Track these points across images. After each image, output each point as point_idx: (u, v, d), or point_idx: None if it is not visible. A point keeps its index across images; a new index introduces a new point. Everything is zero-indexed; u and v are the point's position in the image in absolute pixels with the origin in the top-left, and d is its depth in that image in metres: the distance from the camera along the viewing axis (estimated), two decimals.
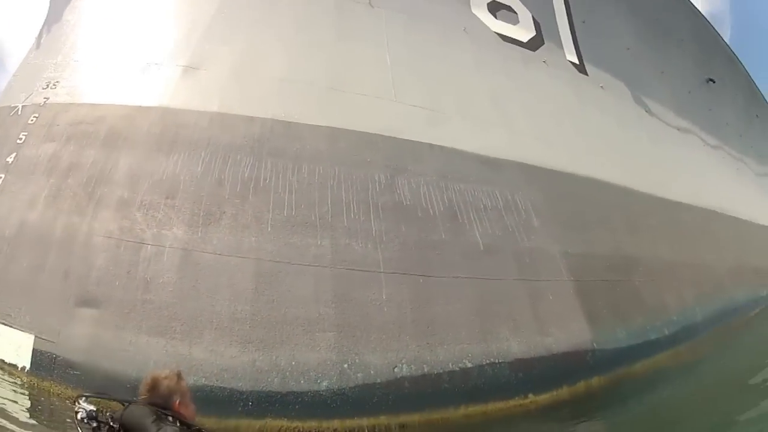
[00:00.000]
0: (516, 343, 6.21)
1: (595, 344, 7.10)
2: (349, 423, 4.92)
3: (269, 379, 4.90)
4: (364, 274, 5.75)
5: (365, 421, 4.97)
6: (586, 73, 11.51)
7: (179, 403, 2.54)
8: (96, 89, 6.61)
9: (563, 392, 6.27)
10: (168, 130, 6.17)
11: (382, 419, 5.05)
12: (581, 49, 11.43)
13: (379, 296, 5.69)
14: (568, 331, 6.91)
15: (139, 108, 6.36)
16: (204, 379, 4.75)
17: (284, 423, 4.71)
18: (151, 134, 6.13)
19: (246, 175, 5.94)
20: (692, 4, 16.79)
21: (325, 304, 5.43)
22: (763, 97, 25.59)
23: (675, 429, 4.32)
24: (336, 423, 4.87)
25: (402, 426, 5.10)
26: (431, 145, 7.36)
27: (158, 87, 6.61)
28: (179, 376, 2.66)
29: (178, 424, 2.41)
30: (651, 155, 13.10)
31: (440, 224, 6.65)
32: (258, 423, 4.68)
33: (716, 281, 12.71)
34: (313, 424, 4.80)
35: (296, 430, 4.72)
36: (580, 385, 6.51)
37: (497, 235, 7.07)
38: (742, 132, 22.27)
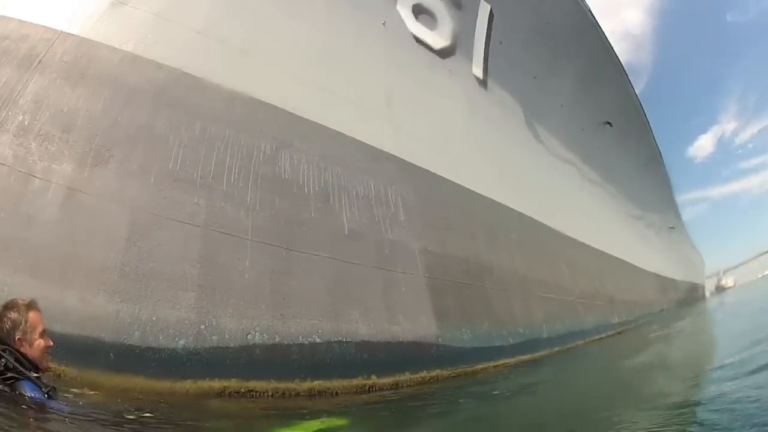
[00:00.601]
0: (365, 326, 7.09)
1: (440, 339, 8.22)
2: (202, 384, 5.33)
3: (130, 333, 5.19)
4: (232, 238, 6.27)
5: (216, 383, 5.42)
6: (486, 89, 13.00)
7: (20, 339, 2.47)
8: (27, 6, 6.57)
9: (405, 378, 7.16)
10: (80, 62, 6.31)
11: (233, 382, 5.52)
12: (489, 66, 12.88)
13: (242, 263, 6.23)
14: (415, 323, 7.95)
15: (61, 33, 6.39)
16: (70, 327, 4.90)
17: (141, 381, 4.99)
18: (63, 62, 6.23)
19: (142, 121, 6.27)
20: (613, 51, 19.67)
21: (191, 264, 5.84)
22: (658, 149, 30.18)
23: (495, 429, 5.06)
24: (189, 383, 5.26)
25: (251, 391, 5.60)
26: (320, 126, 8.09)
27: (84, 15, 6.66)
28: (30, 306, 2.59)
29: (13, 363, 2.36)
30: (528, 177, 15.02)
31: (312, 203, 7.38)
32: (117, 378, 4.91)
33: (567, 303, 14.78)
34: (167, 384, 5.14)
35: (151, 388, 5.01)
36: (423, 375, 7.47)
37: (363, 222, 7.97)
38: (626, 176, 26.04)
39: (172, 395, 5.01)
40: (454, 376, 7.98)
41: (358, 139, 8.64)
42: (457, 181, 10.81)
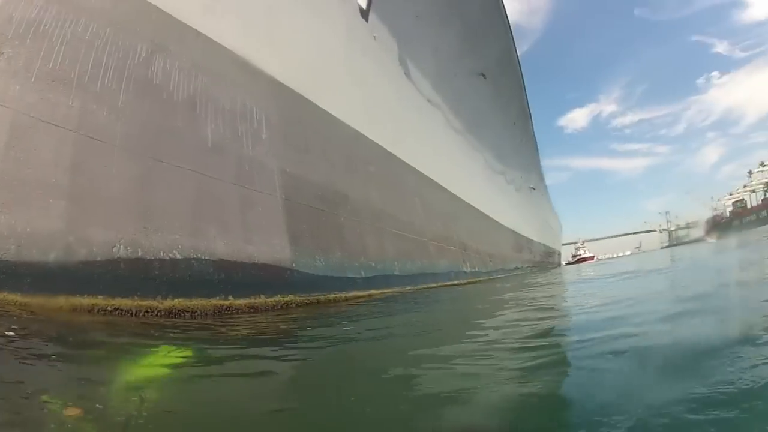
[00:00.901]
0: (222, 245, 7.44)
1: (294, 264, 8.83)
2: (73, 301, 5.39)
3: (8, 247, 5.10)
4: (102, 145, 6.22)
5: (86, 300, 5.50)
6: (367, 20, 13.47)
7: None
8: None
9: (260, 301, 7.63)
10: None
11: (100, 300, 5.64)
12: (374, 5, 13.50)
13: (110, 170, 6.24)
14: (271, 246, 8.46)
15: None
16: None
17: (17, 298, 4.96)
18: None
19: (33, 15, 5.95)
20: (503, 7, 21.48)
21: (63, 171, 5.76)
22: (529, 110, 34.12)
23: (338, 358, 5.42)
24: (61, 300, 5.30)
25: (116, 309, 5.73)
26: (196, 31, 8.07)
27: None
28: None
29: None
30: (394, 114, 15.94)
31: (179, 112, 7.46)
32: None
33: (420, 243, 16.17)
34: (41, 300, 5.13)
35: (26, 305, 4.98)
36: (277, 299, 8.00)
37: (227, 136, 8.20)
38: (493, 130, 28.27)
39: (47, 311, 5.06)
40: (307, 303, 8.61)
41: (231, 49, 8.72)
42: (321, 106, 11.29)
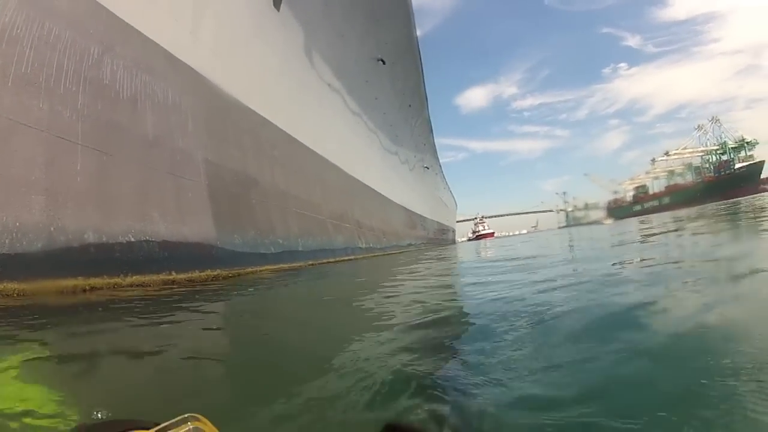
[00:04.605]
0: (164, 227, 8.75)
1: (218, 242, 10.34)
2: (59, 284, 6.36)
3: (2, 241, 5.92)
4: (67, 143, 7.17)
5: (69, 282, 6.49)
6: (278, 10, 14.85)
7: None
8: None
9: (196, 275, 8.99)
10: None
11: (80, 280, 6.66)
12: None
13: (75, 166, 7.23)
14: (199, 226, 9.90)
15: None
16: None
17: (15, 285, 5.80)
18: None
19: (7, 19, 6.62)
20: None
21: (39, 168, 6.64)
22: (425, 94, 37.04)
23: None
24: (49, 284, 6.23)
25: (92, 287, 6.74)
26: (136, 31, 9.07)
27: None
28: None
29: None
30: (296, 99, 17.46)
31: (125, 108, 8.54)
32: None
33: (319, 221, 18.05)
34: (34, 285, 6.02)
35: (24, 291, 5.84)
36: (208, 273, 9.37)
37: (163, 130, 9.43)
38: (388, 112, 30.38)
39: (39, 295, 5.97)
40: (231, 276, 10.04)
41: (163, 47, 9.81)
42: (235, 95, 12.70)
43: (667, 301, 3.67)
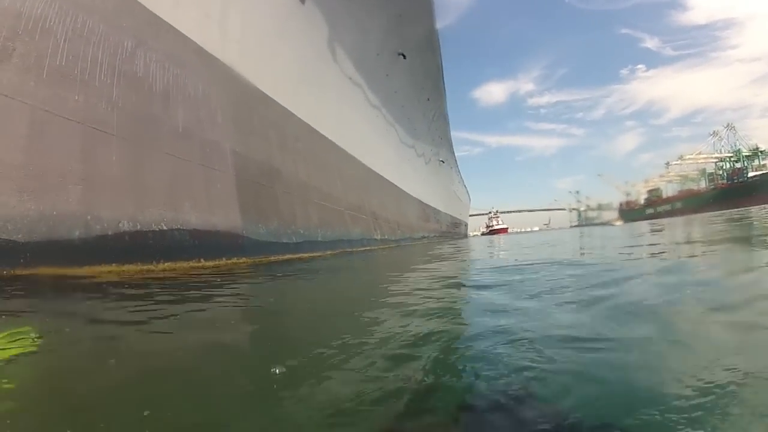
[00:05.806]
0: (194, 217, 9.12)
1: (244, 232, 10.71)
2: (95, 269, 6.69)
3: (39, 229, 6.19)
4: (102, 134, 7.48)
5: (104, 268, 6.84)
6: (303, 3, 15.21)
7: None
8: None
9: (222, 263, 9.43)
10: None
11: (114, 267, 7.01)
12: None
13: (110, 157, 7.56)
14: (227, 217, 10.26)
15: None
16: None
17: (54, 270, 6.09)
18: None
19: (39, 11, 6.84)
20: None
21: (76, 159, 6.93)
22: (444, 89, 37.49)
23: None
24: (86, 269, 6.57)
25: (123, 272, 7.06)
26: (168, 25, 9.41)
27: None
28: None
29: None
30: (318, 93, 17.82)
31: (157, 101, 8.88)
32: (29, 271, 5.93)
33: (338, 213, 18.45)
34: (73, 270, 6.34)
35: (61, 276, 6.10)
36: (234, 261, 9.82)
37: (193, 122, 9.79)
38: (407, 106, 30.81)
39: (75, 279, 6.18)
40: (255, 264, 10.36)
41: (194, 40, 10.14)
42: (261, 88, 13.04)
43: None
